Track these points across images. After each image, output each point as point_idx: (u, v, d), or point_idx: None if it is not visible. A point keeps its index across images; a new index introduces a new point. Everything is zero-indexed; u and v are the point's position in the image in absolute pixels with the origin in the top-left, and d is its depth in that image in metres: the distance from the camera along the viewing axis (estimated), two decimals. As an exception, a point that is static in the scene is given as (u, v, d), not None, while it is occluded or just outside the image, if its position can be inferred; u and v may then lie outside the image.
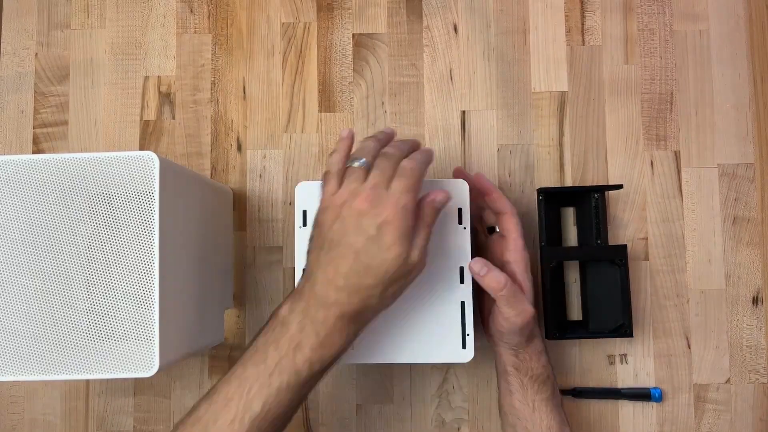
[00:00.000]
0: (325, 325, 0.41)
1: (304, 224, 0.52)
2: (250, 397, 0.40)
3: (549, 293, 0.55)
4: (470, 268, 0.49)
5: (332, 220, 0.43)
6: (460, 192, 0.51)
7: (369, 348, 0.50)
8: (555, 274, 0.58)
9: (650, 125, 0.61)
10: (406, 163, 0.44)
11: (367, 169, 0.44)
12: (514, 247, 0.51)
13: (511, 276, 0.49)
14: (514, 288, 0.48)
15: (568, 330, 0.57)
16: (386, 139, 0.48)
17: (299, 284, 0.44)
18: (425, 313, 0.51)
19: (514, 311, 0.48)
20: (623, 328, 0.55)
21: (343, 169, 0.45)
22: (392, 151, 0.45)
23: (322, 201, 0.45)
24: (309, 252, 0.45)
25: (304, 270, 0.45)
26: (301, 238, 0.52)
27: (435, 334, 0.51)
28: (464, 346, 0.51)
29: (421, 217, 0.44)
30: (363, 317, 0.43)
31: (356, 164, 0.44)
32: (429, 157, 0.47)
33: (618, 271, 0.55)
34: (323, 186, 0.45)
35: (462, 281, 0.51)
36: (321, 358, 0.41)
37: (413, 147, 0.47)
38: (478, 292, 0.52)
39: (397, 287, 0.43)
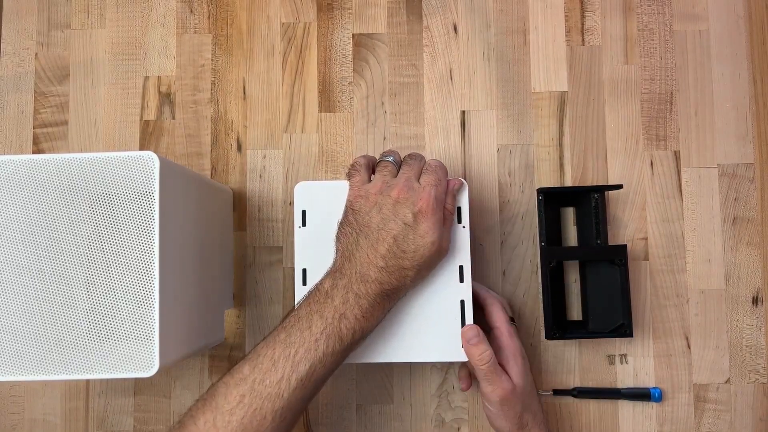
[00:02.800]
0: (368, 299, 0.46)
1: (304, 224, 0.52)
2: (297, 360, 0.43)
3: (549, 293, 0.55)
4: (463, 333, 0.50)
5: (369, 207, 0.48)
6: (460, 191, 0.52)
7: (370, 348, 0.50)
8: (555, 274, 0.58)
9: (650, 125, 0.61)
10: (431, 162, 0.50)
11: (397, 165, 0.50)
12: (499, 335, 0.53)
13: (503, 362, 0.51)
14: (496, 367, 0.50)
15: (568, 330, 0.57)
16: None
17: (337, 263, 0.48)
18: (425, 312, 0.51)
19: (491, 387, 0.50)
20: (623, 328, 0.55)
21: (369, 164, 0.51)
22: (416, 154, 0.51)
23: (353, 189, 0.49)
24: (342, 234, 0.49)
25: (337, 250, 0.49)
26: (301, 237, 0.52)
27: (435, 333, 0.51)
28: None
29: (446, 207, 0.50)
30: (397, 294, 0.48)
31: (389, 159, 0.51)
32: (444, 168, 0.51)
33: (618, 271, 0.55)
34: (350, 177, 0.51)
35: (462, 280, 0.51)
36: (362, 327, 0.46)
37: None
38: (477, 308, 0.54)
39: (428, 271, 0.49)
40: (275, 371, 0.43)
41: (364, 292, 0.46)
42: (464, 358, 0.50)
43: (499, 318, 0.53)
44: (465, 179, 0.60)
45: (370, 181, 0.50)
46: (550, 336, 0.55)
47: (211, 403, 0.42)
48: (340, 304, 0.45)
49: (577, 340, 0.59)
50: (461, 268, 0.51)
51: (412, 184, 0.48)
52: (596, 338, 0.58)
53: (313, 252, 0.52)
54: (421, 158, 0.51)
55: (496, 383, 0.50)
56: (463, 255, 0.51)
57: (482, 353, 0.49)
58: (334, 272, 0.47)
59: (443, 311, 0.51)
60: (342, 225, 0.49)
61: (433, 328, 0.51)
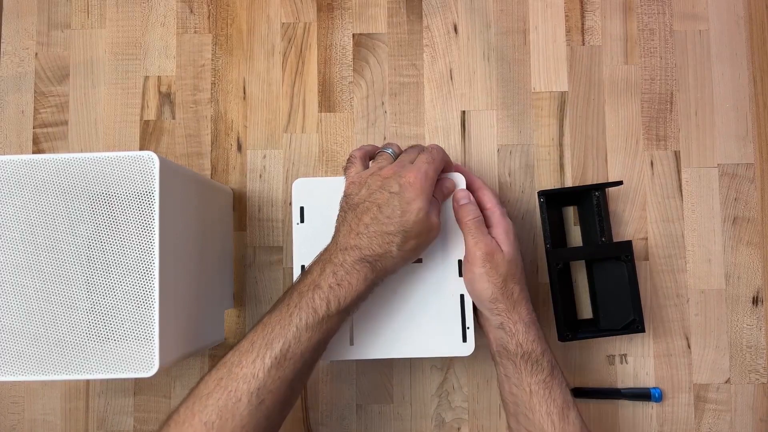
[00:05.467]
0: (343, 266, 0.44)
1: (302, 221, 0.52)
2: (272, 338, 0.42)
3: (558, 295, 0.55)
4: (453, 196, 0.51)
5: (359, 188, 0.48)
6: (457, 185, 0.52)
7: (369, 344, 0.50)
8: (562, 275, 0.57)
9: (650, 125, 0.61)
10: (432, 145, 0.50)
11: (395, 156, 0.50)
12: (490, 215, 0.52)
13: (493, 234, 0.50)
14: (483, 225, 0.50)
15: (579, 329, 0.57)
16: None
17: (327, 245, 0.47)
18: (425, 308, 0.51)
19: (474, 241, 0.49)
20: (635, 324, 0.55)
21: (366, 156, 0.51)
22: (417, 145, 0.52)
23: (348, 179, 0.49)
24: (337, 219, 0.49)
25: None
26: (299, 234, 0.52)
27: (435, 328, 0.51)
28: (465, 340, 0.51)
29: (438, 192, 0.49)
30: (381, 264, 0.45)
31: (388, 151, 0.50)
32: (445, 162, 0.51)
33: (624, 268, 0.55)
34: (346, 170, 0.50)
35: (461, 274, 0.51)
36: (337, 296, 0.43)
37: None
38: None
39: (416, 243, 0.46)
40: (251, 352, 0.42)
41: (341, 260, 0.44)
42: (465, 353, 0.50)
43: (490, 200, 0.52)
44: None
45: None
46: (562, 338, 0.55)
47: (193, 391, 0.42)
48: (317, 275, 0.44)
49: (582, 340, 0.58)
50: (460, 262, 0.51)
51: (405, 164, 0.48)
52: (609, 336, 0.57)
53: (311, 248, 0.51)
54: (421, 148, 0.51)
55: (480, 239, 0.49)
56: (460, 249, 0.51)
57: (471, 211, 0.50)
58: (320, 253, 0.47)
59: (442, 306, 0.51)
60: (338, 214, 0.49)
61: (432, 323, 0.51)
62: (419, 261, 0.52)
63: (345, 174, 0.50)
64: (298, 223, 0.52)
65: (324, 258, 0.46)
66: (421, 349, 0.51)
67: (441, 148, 0.50)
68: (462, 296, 0.51)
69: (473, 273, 0.49)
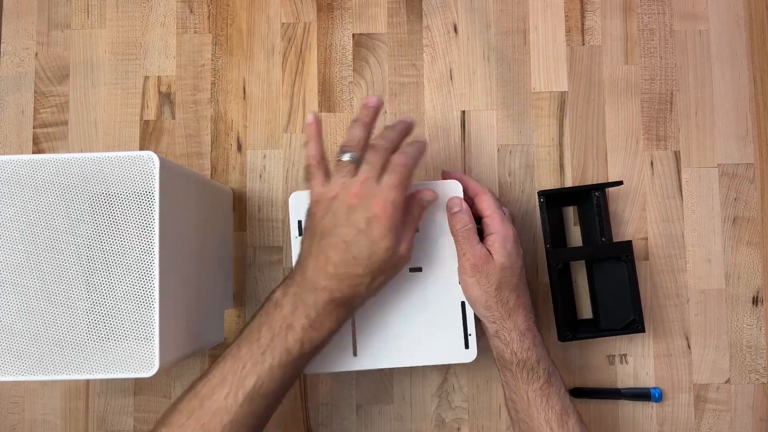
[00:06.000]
0: (316, 308, 0.43)
1: (300, 234, 0.52)
2: (244, 374, 0.42)
3: (558, 295, 0.55)
4: (447, 204, 0.50)
5: (323, 212, 0.45)
6: (454, 192, 0.52)
7: (372, 354, 0.50)
8: (562, 275, 0.57)
9: (650, 125, 0.61)
10: (396, 158, 0.45)
11: (357, 162, 0.46)
12: (490, 222, 0.50)
13: (490, 246, 0.49)
14: (472, 236, 0.49)
15: (579, 329, 0.57)
16: (371, 122, 0.48)
17: (291, 271, 0.46)
18: (426, 316, 0.51)
19: (462, 252, 0.49)
20: (635, 324, 0.55)
21: (324, 161, 0.47)
22: (382, 143, 0.46)
23: (312, 194, 0.46)
24: (302, 242, 0.47)
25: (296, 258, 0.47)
26: (298, 247, 0.52)
27: (437, 335, 0.51)
28: (467, 346, 0.51)
29: (410, 213, 0.47)
30: (352, 303, 0.45)
31: (346, 158, 0.46)
32: (421, 149, 0.48)
33: (624, 268, 0.55)
34: (309, 180, 0.47)
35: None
36: (311, 338, 0.43)
37: (403, 133, 0.48)
38: None
39: (384, 278, 0.46)
40: (223, 386, 0.41)
41: (312, 301, 0.43)
42: (468, 360, 0.50)
43: (489, 206, 0.50)
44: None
45: (328, 178, 0.46)
46: (562, 338, 0.55)
47: (165, 419, 0.42)
48: (289, 313, 0.43)
49: (582, 340, 0.58)
50: None
51: (370, 187, 0.44)
52: (609, 336, 0.57)
53: None
54: (388, 150, 0.46)
55: (467, 249, 0.48)
56: None
57: (462, 220, 0.49)
58: (286, 280, 0.45)
59: (444, 313, 0.51)
60: (303, 231, 0.47)
61: (434, 331, 0.51)
62: (419, 269, 0.51)
63: (308, 185, 0.47)
64: (296, 237, 0.52)
65: (294, 292, 0.44)
66: (424, 357, 0.51)
67: (417, 148, 0.47)
68: (463, 303, 0.51)
69: (464, 282, 0.50)
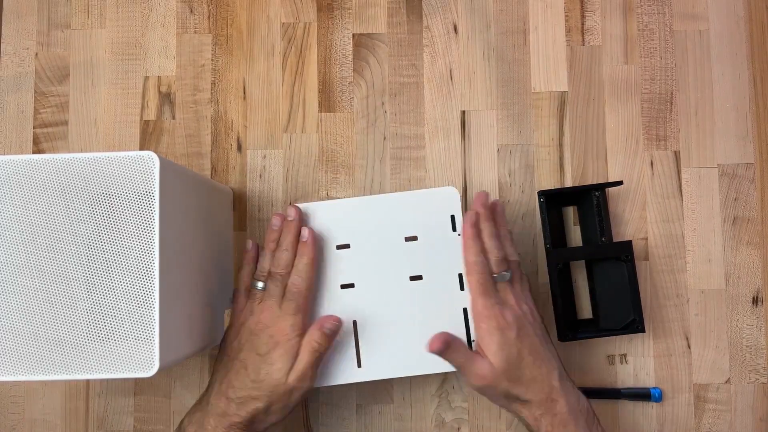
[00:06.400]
0: None
1: None
2: None
3: (558, 296, 0.55)
4: (429, 343, 0.47)
5: (233, 337, 0.49)
6: (449, 200, 0.51)
7: (377, 365, 0.50)
8: (562, 275, 0.57)
9: (650, 125, 0.61)
10: (291, 285, 0.49)
11: (264, 289, 0.50)
12: (473, 306, 0.49)
13: (479, 341, 0.48)
14: (468, 357, 0.47)
15: (579, 329, 0.57)
16: (285, 244, 0.51)
17: (201, 394, 0.49)
18: (429, 323, 0.50)
19: (465, 377, 0.48)
20: (635, 324, 0.55)
21: (248, 289, 0.51)
22: (277, 272, 0.50)
23: (231, 317, 0.51)
24: (214, 364, 0.51)
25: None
26: None
27: None
28: None
29: (308, 342, 0.48)
30: (252, 428, 0.47)
31: (258, 286, 0.50)
32: (311, 256, 0.50)
33: (624, 268, 0.55)
34: (232, 303, 0.52)
35: (462, 288, 0.51)
36: None
37: (294, 240, 0.50)
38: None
39: (281, 405, 0.47)
40: None
41: (212, 427, 0.45)
42: None
43: (469, 288, 0.48)
44: (465, 180, 0.61)
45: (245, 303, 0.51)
46: (562, 338, 0.55)
47: None
48: None
49: (582, 340, 0.58)
50: (460, 276, 0.51)
51: (272, 314, 0.48)
52: (609, 336, 0.57)
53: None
54: (282, 276, 0.49)
55: (469, 373, 0.47)
56: (461, 263, 0.51)
57: (454, 358, 0.48)
58: (194, 406, 0.48)
59: (446, 321, 0.51)
60: (217, 355, 0.51)
61: None
62: (419, 278, 0.51)
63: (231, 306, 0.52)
64: None
65: (197, 419, 0.46)
66: (428, 366, 0.50)
67: (307, 262, 0.49)
68: (465, 310, 0.51)
69: (475, 387, 0.48)
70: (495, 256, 0.49)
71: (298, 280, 0.49)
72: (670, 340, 0.59)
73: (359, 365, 0.50)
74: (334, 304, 0.51)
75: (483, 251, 0.49)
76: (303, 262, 0.49)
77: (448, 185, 0.60)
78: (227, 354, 0.49)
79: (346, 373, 0.50)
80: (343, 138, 0.62)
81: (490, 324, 0.47)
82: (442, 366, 0.50)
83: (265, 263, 0.51)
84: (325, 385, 0.51)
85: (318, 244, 0.51)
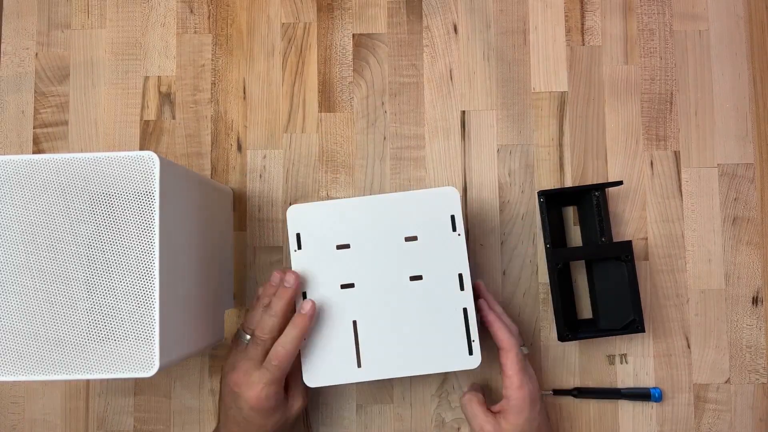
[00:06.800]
0: None
1: (299, 247, 0.52)
2: None
3: (558, 295, 0.55)
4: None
5: (223, 389, 0.50)
6: (451, 199, 0.51)
7: (376, 365, 0.50)
8: (562, 275, 0.57)
9: (650, 125, 0.61)
10: (273, 354, 0.48)
11: (250, 339, 0.50)
12: (509, 385, 0.51)
13: (504, 413, 0.51)
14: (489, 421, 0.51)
15: (579, 329, 0.57)
16: (277, 304, 0.50)
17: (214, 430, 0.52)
18: (429, 324, 0.50)
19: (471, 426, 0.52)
20: (635, 324, 0.55)
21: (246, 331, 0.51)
22: (262, 336, 0.49)
23: (229, 355, 0.51)
24: (218, 404, 0.55)
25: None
26: (297, 260, 0.52)
27: (441, 343, 0.50)
28: (471, 353, 0.50)
29: (289, 404, 0.51)
30: None
31: (244, 340, 0.50)
32: (303, 327, 0.49)
33: (624, 268, 0.55)
34: (231, 342, 0.52)
35: (462, 288, 0.51)
36: None
37: (285, 307, 0.49)
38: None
39: None
40: None
41: None
42: (472, 366, 0.50)
43: (509, 363, 0.52)
44: (465, 180, 0.61)
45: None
46: (562, 338, 0.55)
47: None
48: None
49: (582, 340, 0.58)
50: (460, 276, 0.51)
51: (247, 379, 0.48)
52: (608, 336, 0.57)
53: (310, 274, 0.51)
54: (265, 342, 0.49)
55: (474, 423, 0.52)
56: (461, 263, 0.51)
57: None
58: None
59: (446, 321, 0.51)
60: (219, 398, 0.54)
61: (438, 339, 0.50)
62: (419, 278, 0.51)
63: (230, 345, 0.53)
64: (295, 250, 0.52)
65: None
66: (428, 365, 0.50)
67: (298, 331, 0.48)
68: (465, 309, 0.51)
69: None
70: (515, 332, 0.54)
71: (282, 351, 0.48)
72: (670, 340, 0.59)
73: (359, 365, 0.50)
74: (334, 304, 0.51)
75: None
76: (293, 334, 0.48)
77: (448, 185, 0.60)
78: (223, 400, 0.50)
79: (346, 373, 0.50)
80: (343, 138, 0.62)
81: (524, 401, 0.51)
82: (442, 366, 0.50)
83: (253, 319, 0.50)
84: (325, 385, 0.51)
85: (315, 312, 0.51)
